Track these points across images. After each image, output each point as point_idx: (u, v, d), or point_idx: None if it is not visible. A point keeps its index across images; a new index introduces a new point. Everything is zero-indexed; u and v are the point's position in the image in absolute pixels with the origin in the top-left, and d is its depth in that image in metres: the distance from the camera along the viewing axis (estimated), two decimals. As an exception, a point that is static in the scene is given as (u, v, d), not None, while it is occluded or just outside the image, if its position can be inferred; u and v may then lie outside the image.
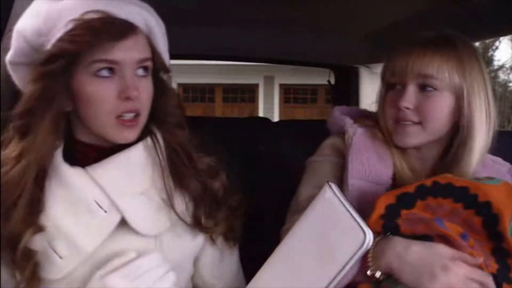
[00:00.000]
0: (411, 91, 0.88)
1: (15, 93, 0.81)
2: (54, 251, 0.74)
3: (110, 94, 0.75)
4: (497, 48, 10.22)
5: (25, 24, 0.75)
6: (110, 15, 0.74)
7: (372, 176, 0.90)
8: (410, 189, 0.80)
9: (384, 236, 0.77)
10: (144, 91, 0.78)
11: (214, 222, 0.86)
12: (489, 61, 10.37)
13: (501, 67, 10.24)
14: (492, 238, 0.73)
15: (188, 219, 0.83)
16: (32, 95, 0.74)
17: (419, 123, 0.89)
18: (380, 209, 0.79)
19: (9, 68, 0.80)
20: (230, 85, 9.32)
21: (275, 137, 1.36)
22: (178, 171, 0.83)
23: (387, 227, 0.77)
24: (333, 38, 1.66)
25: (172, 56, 0.88)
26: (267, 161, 1.34)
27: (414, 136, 0.89)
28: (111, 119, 0.76)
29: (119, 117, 0.76)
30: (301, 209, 0.90)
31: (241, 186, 0.96)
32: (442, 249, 0.71)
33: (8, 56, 0.78)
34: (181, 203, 0.83)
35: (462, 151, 0.89)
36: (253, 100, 9.58)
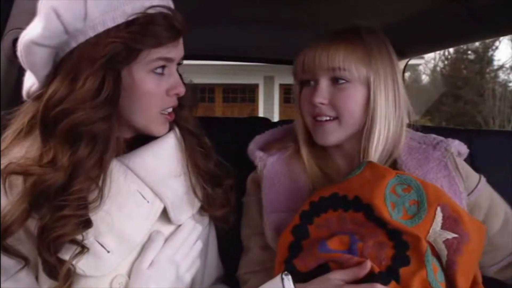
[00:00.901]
0: (324, 85, 0.86)
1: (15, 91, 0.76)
2: (102, 245, 0.71)
3: (162, 90, 0.76)
4: (497, 48, 10.23)
5: (64, 4, 0.67)
6: (171, 10, 0.73)
7: (287, 205, 0.87)
8: (297, 220, 0.79)
9: None
10: None
11: (215, 204, 0.85)
12: (489, 61, 10.37)
13: (501, 67, 10.25)
14: (380, 225, 0.73)
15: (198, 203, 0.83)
16: (92, 92, 0.68)
17: (336, 118, 0.86)
18: (283, 253, 0.78)
19: (25, 48, 0.70)
20: (230, 85, 9.33)
21: (275, 137, 1.35)
22: (193, 154, 0.84)
23: (287, 270, 0.75)
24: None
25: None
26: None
27: (332, 133, 0.86)
28: (156, 113, 0.77)
29: (162, 111, 0.77)
30: (246, 249, 0.92)
31: (241, 185, 0.96)
32: (330, 279, 0.71)
33: (34, 35, 0.68)
34: (198, 188, 0.83)
35: (368, 141, 0.86)
36: (253, 100, 9.58)
